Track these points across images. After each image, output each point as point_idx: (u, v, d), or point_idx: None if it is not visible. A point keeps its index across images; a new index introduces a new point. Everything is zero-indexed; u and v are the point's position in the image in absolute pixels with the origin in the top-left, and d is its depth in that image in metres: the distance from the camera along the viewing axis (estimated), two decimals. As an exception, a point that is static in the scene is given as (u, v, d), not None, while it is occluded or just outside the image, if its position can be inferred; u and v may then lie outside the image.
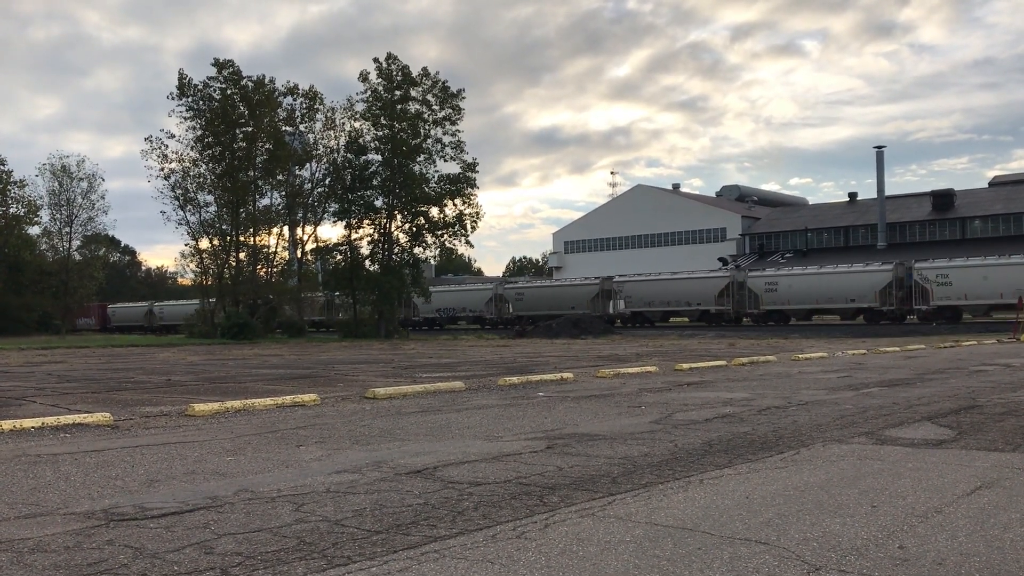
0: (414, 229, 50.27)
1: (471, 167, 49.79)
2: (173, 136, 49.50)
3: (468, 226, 49.50)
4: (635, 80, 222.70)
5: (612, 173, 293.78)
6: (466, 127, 50.45)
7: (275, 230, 53.32)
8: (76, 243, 66.00)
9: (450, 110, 49.47)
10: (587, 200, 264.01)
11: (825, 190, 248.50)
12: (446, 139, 49.63)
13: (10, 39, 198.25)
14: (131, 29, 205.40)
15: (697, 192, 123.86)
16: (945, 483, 5.91)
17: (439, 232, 49.97)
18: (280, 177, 52.05)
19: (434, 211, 49.77)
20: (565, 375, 15.87)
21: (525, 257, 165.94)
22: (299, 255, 54.82)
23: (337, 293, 53.50)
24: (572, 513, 5.12)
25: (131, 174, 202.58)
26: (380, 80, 49.15)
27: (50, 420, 9.61)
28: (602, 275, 67.79)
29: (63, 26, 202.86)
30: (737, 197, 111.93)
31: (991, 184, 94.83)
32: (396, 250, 50.81)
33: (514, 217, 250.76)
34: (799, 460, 6.90)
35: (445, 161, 50.02)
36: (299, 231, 54.56)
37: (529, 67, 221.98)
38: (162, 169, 49.53)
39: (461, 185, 49.39)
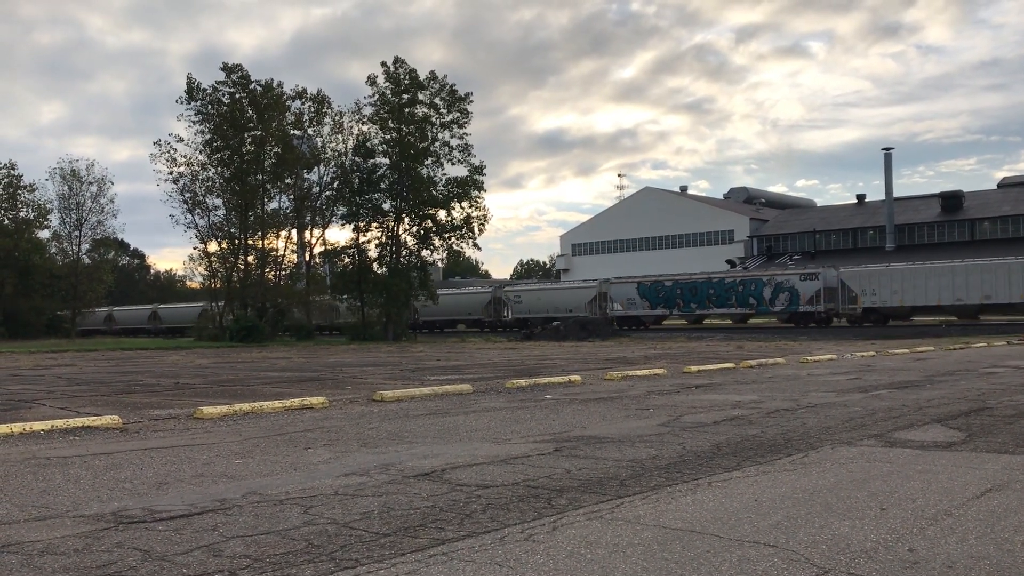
0: (422, 232, 50.32)
1: (478, 170, 49.82)
2: (182, 140, 49.70)
3: (475, 229, 49.56)
4: (640, 82, 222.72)
5: (619, 176, 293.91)
6: (471, 130, 51.08)
7: (283, 233, 53.44)
8: (85, 247, 66.39)
9: (458, 113, 49.50)
10: (593, 203, 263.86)
11: (832, 192, 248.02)
12: (454, 142, 49.71)
13: (15, 44, 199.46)
14: (135, 33, 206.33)
15: (704, 194, 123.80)
16: (955, 486, 5.88)
17: (446, 235, 50.03)
18: (288, 181, 52.13)
19: (441, 214, 49.83)
20: (573, 378, 15.86)
21: (532, 260, 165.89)
22: (307, 258, 54.93)
23: (345, 296, 53.54)
24: (580, 516, 5.11)
25: (137, 178, 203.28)
26: (388, 84, 49.24)
27: (59, 423, 9.65)
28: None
29: (67, 30, 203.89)
30: (745, 199, 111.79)
31: (1000, 185, 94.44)
32: (404, 253, 50.87)
33: (520, 220, 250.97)
34: (808, 463, 6.88)
35: (453, 164, 50.10)
36: (307, 234, 54.69)
37: (534, 69, 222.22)
38: (171, 173, 49.74)
39: (468, 188, 49.43)
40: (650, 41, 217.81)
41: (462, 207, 49.58)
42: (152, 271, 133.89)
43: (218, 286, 52.49)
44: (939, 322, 50.74)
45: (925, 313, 51.71)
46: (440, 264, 63.08)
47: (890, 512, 5.12)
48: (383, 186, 50.71)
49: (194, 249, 52.73)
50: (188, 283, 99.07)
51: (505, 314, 65.07)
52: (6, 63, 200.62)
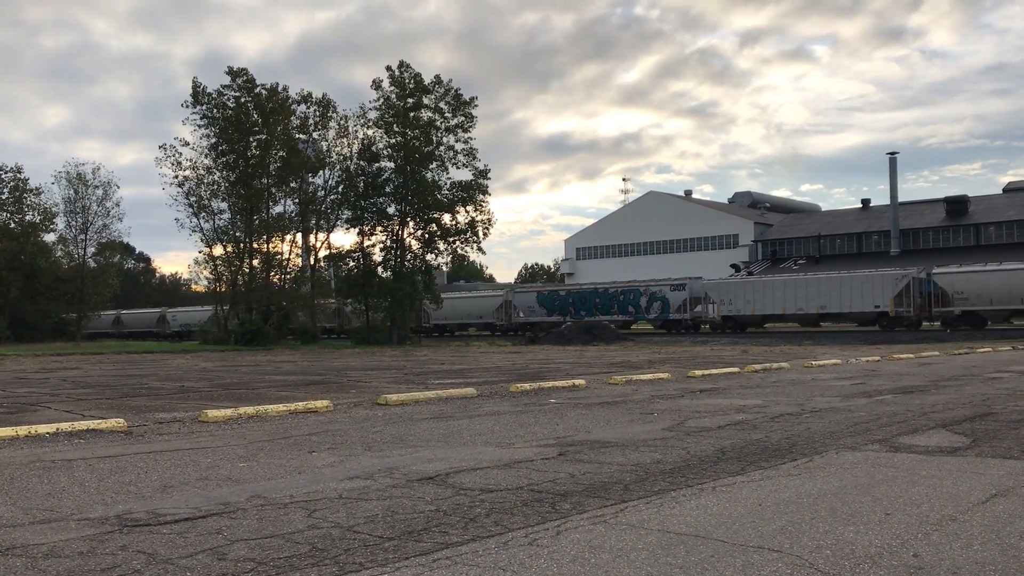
0: (426, 236, 50.39)
1: (483, 174, 49.87)
2: (188, 144, 49.84)
3: (480, 233, 49.61)
4: (644, 86, 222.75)
5: (624, 180, 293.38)
6: (476, 134, 51.61)
7: (288, 237, 53.56)
8: (91, 250, 66.58)
9: (462, 117, 49.56)
10: (597, 206, 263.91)
11: (837, 196, 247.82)
12: (458, 146, 49.77)
13: (20, 47, 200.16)
14: (139, 37, 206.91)
15: (708, 198, 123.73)
16: (960, 491, 5.87)
17: (451, 239, 50.08)
18: (293, 184, 52.27)
19: (446, 218, 49.89)
20: (577, 382, 15.85)
21: (537, 263, 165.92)
22: (312, 262, 55.00)
23: (350, 300, 53.62)
24: (584, 520, 5.11)
25: (141, 182, 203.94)
26: (393, 88, 49.32)
27: (65, 426, 9.67)
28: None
29: (72, 34, 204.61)
30: (749, 203, 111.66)
31: (1005, 190, 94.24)
32: (408, 257, 50.92)
33: (524, 224, 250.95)
34: (812, 467, 6.87)
35: (457, 168, 50.17)
36: (312, 238, 54.79)
37: (537, 73, 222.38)
38: (176, 176, 49.86)
39: (473, 192, 49.49)
40: (654, 45, 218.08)
41: (467, 211, 49.66)
42: (157, 275, 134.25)
43: (223, 289, 52.60)
44: (945, 327, 50.68)
45: (773, 321, 56.19)
46: (445, 268, 63.20)
47: (895, 517, 5.11)
48: (388, 190, 50.80)
49: (199, 252, 52.87)
50: (193, 286, 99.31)
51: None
52: (11, 66, 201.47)
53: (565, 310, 62.49)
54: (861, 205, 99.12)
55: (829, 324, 55.38)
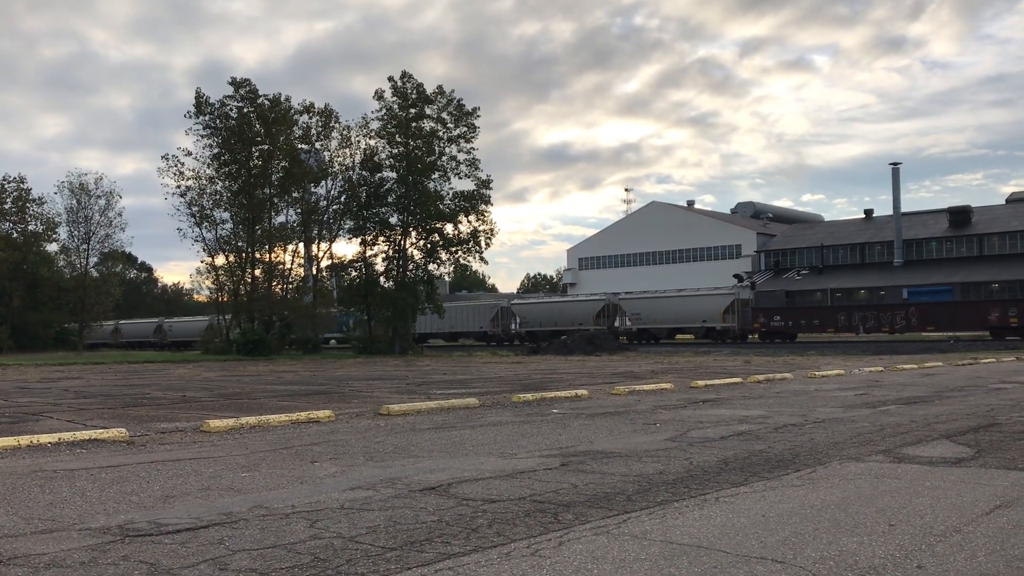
0: (428, 246, 50.43)
1: (485, 184, 49.96)
2: (190, 154, 49.98)
3: (482, 242, 49.65)
4: (644, 96, 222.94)
5: (627, 190, 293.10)
6: (476, 144, 52.01)
7: (290, 247, 53.61)
8: (93, 260, 66.65)
9: (465, 128, 49.69)
10: (598, 216, 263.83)
11: (838, 206, 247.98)
12: (461, 156, 49.89)
13: (18, 58, 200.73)
14: (138, 47, 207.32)
15: (710, 208, 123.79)
16: (964, 502, 5.85)
17: (453, 249, 50.12)
18: (296, 194, 52.34)
19: (448, 228, 49.95)
20: (580, 392, 15.83)
21: (539, 273, 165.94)
22: (314, 272, 55.05)
23: (352, 310, 53.65)
24: (587, 531, 5.10)
25: (142, 191, 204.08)
26: (395, 98, 49.46)
27: (67, 436, 9.67)
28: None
29: (70, 44, 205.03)
30: (752, 214, 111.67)
31: (1008, 200, 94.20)
32: (411, 267, 50.95)
33: (525, 233, 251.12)
34: (816, 478, 6.85)
35: (460, 178, 50.27)
36: (314, 248, 54.84)
37: (537, 83, 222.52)
38: (178, 186, 49.96)
39: (475, 202, 49.56)
40: (654, 55, 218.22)
41: (469, 221, 49.72)
42: (159, 284, 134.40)
43: (225, 299, 52.62)
44: (948, 338, 50.75)
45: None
46: (447, 278, 63.30)
47: (898, 528, 5.09)
48: (390, 200, 50.88)
49: (201, 262, 52.96)
50: (195, 296, 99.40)
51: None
52: (10, 76, 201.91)
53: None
54: (864, 215, 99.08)
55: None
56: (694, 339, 62.80)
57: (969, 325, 54.75)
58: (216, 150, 49.65)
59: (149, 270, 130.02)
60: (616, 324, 66.21)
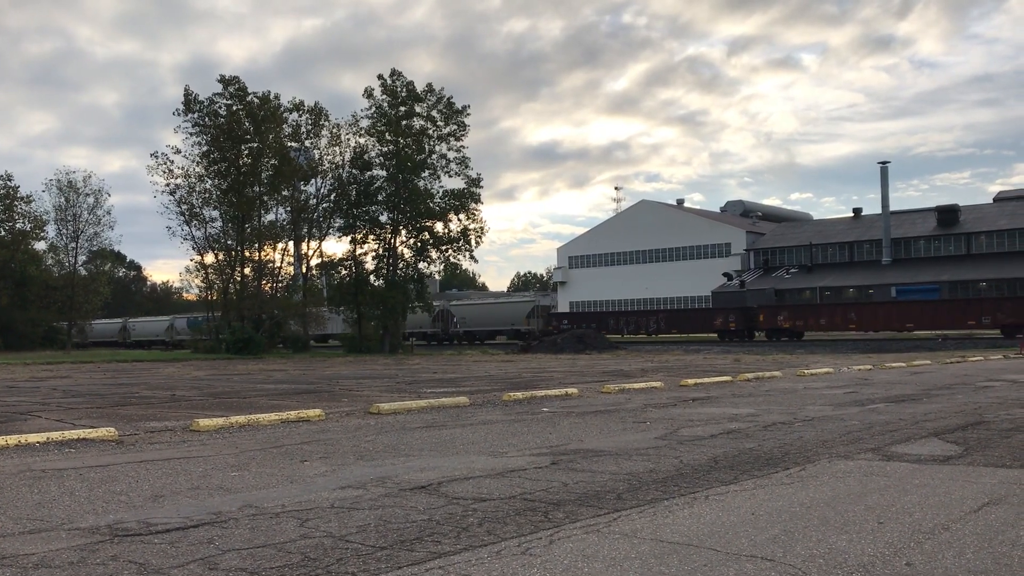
0: (419, 244, 50.37)
1: (475, 182, 49.93)
2: (179, 151, 49.88)
3: (472, 241, 49.61)
4: (633, 94, 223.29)
5: (616, 189, 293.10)
6: (466, 142, 52.26)
7: (280, 245, 53.52)
8: (82, 258, 66.36)
9: (455, 126, 49.65)
10: (587, 215, 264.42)
11: (826, 205, 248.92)
12: (451, 155, 49.84)
13: (3, 54, 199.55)
14: (125, 44, 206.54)
15: (699, 207, 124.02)
16: (952, 499, 5.88)
17: (443, 247, 50.07)
18: (285, 192, 52.24)
19: (439, 226, 49.91)
20: (570, 390, 15.85)
21: (530, 272, 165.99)
22: (304, 270, 54.93)
23: (342, 308, 53.60)
24: (577, 529, 5.10)
25: (129, 189, 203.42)
26: (385, 96, 49.38)
27: (55, 435, 9.62)
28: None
29: (56, 40, 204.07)
30: (741, 212, 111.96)
31: (996, 199, 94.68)
32: (401, 265, 50.88)
33: (515, 232, 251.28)
34: (805, 476, 6.87)
35: (450, 176, 50.24)
36: (304, 246, 54.75)
37: (526, 81, 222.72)
38: (167, 184, 49.78)
39: (465, 200, 49.52)
40: (642, 53, 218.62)
41: (459, 219, 49.68)
42: (148, 283, 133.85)
43: (214, 298, 52.47)
44: (936, 336, 50.91)
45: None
46: (437, 276, 63.28)
47: (887, 526, 5.12)
48: (380, 198, 50.79)
49: (191, 260, 52.85)
50: (184, 295, 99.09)
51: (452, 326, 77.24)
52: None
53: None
54: (852, 214, 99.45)
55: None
56: (507, 339, 71.28)
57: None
58: (205, 148, 49.54)
59: (138, 268, 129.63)
60: (449, 328, 73.81)
